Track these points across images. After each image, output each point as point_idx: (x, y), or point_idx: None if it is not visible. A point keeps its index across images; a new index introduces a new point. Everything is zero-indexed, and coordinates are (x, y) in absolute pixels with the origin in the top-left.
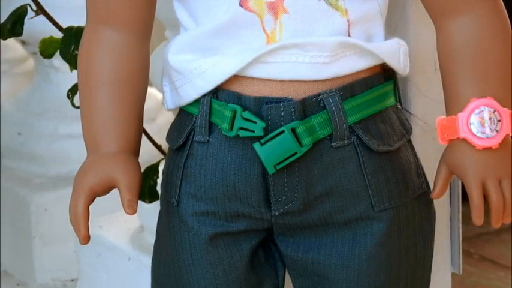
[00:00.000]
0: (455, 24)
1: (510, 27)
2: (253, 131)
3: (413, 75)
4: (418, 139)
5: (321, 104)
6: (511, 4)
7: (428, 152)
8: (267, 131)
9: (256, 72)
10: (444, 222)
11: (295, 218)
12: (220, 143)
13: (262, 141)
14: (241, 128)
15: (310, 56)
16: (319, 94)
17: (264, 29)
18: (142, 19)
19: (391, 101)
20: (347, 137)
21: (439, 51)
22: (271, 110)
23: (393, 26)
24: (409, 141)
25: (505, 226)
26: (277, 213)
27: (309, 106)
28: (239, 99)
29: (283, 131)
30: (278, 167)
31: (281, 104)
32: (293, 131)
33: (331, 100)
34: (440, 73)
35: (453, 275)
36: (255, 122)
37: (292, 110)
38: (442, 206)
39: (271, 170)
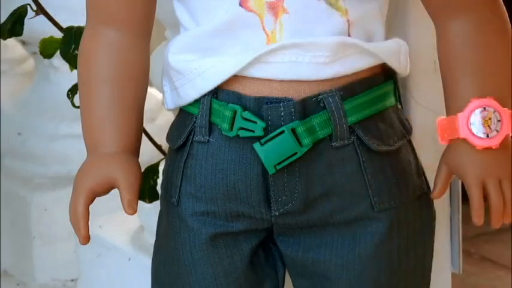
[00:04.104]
0: (455, 24)
1: (510, 27)
2: (253, 131)
3: (413, 75)
4: (418, 139)
5: (321, 104)
6: (511, 4)
7: (428, 152)
8: (267, 131)
9: (256, 72)
10: (444, 222)
11: (295, 218)
12: (220, 143)
13: (262, 141)
14: (241, 128)
15: (310, 56)
16: (319, 94)
17: (264, 29)
18: (142, 19)
19: (391, 101)
20: (347, 137)
21: (439, 51)
22: (271, 110)
23: (393, 26)
24: (409, 141)
25: (505, 226)
26: (277, 213)
27: (309, 106)
28: (239, 99)
29: (283, 131)
30: (278, 167)
31: (281, 104)
32: (293, 131)
33: (331, 100)
34: (440, 73)
35: (453, 275)
36: (255, 122)
37: (292, 110)
38: (442, 206)
39: (271, 170)
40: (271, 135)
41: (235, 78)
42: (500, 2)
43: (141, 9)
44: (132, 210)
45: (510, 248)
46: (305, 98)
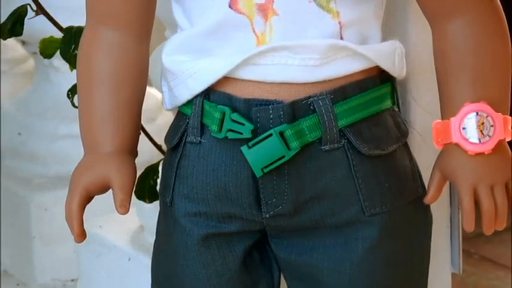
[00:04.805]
0: (451, 26)
1: (507, 29)
2: (241, 133)
3: (413, 76)
4: (416, 142)
5: (311, 107)
6: (509, 6)
7: (428, 153)
8: (256, 133)
9: (247, 74)
10: (444, 222)
11: (287, 220)
12: (211, 144)
13: (250, 144)
14: (230, 130)
15: (300, 58)
16: (309, 97)
17: (253, 31)
18: (142, 19)
19: (387, 103)
20: (337, 141)
21: (435, 53)
22: (260, 112)
23: (393, 26)
24: (405, 145)
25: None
26: (267, 216)
27: (298, 109)
28: (230, 100)
29: (271, 134)
30: (265, 170)
31: (270, 107)
32: (281, 134)
33: (321, 103)
34: (435, 75)
35: (453, 275)
36: (242, 124)
37: (281, 112)
38: (442, 206)
39: (258, 173)
40: (259, 138)
41: (226, 79)
42: (498, 3)
43: (141, 9)
44: (124, 209)
45: (510, 248)
46: (295, 100)
